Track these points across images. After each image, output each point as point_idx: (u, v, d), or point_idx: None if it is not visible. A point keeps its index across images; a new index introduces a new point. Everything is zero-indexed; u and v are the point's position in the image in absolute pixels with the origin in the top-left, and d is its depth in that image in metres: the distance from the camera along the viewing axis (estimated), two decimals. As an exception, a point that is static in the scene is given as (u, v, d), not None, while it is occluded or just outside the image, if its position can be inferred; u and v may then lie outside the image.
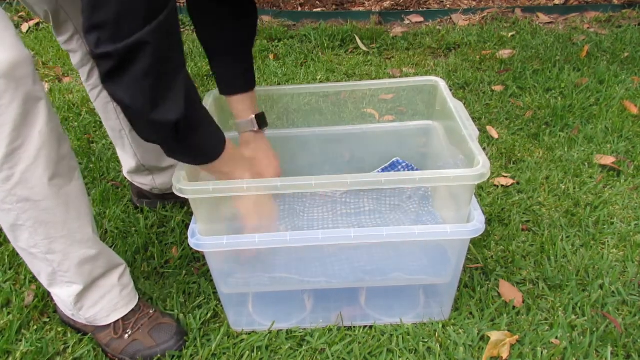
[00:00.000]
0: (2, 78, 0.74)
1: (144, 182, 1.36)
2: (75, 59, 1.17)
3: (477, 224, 0.89)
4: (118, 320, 1.00)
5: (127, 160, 1.32)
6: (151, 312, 1.03)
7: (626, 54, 2.14)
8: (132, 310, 1.02)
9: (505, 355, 0.97)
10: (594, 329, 1.02)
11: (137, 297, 1.04)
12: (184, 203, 1.40)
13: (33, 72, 0.79)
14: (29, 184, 0.82)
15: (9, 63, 0.75)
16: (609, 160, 1.49)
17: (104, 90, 1.16)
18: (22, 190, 0.82)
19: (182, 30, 2.72)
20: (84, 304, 0.98)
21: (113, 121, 1.24)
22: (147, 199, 1.40)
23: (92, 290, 0.97)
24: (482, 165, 0.85)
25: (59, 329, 1.07)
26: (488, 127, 1.69)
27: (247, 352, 1.00)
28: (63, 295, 0.97)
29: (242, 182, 0.84)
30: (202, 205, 0.90)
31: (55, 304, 1.06)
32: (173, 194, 0.87)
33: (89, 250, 0.93)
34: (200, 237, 0.89)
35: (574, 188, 1.40)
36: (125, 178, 1.40)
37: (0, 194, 0.82)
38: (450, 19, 2.66)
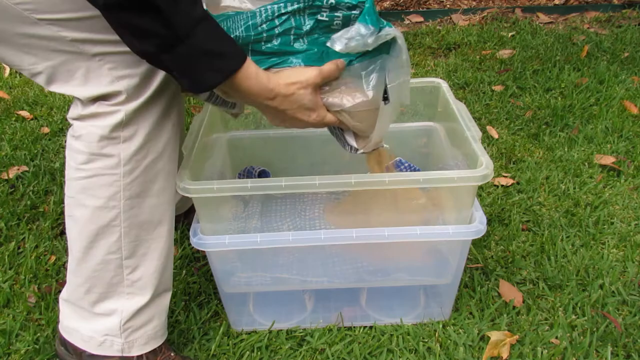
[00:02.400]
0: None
1: None
2: None
3: (478, 224, 0.89)
4: (147, 353, 0.89)
5: None
6: (172, 354, 0.92)
7: (626, 54, 2.15)
8: (154, 350, 0.90)
9: (505, 355, 0.98)
10: (594, 329, 1.02)
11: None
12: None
13: None
14: (147, 177, 0.76)
15: None
16: (609, 160, 1.49)
17: None
18: (139, 185, 0.76)
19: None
20: (134, 323, 0.85)
21: None
22: None
23: (148, 308, 0.86)
24: (485, 166, 0.85)
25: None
26: (488, 127, 1.69)
27: (247, 352, 1.00)
28: (116, 309, 0.84)
29: (245, 182, 0.84)
30: (206, 204, 0.90)
31: (61, 341, 0.91)
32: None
33: (165, 257, 0.85)
34: (202, 237, 0.89)
35: (574, 188, 1.40)
36: None
37: (112, 188, 0.75)
38: (450, 19, 2.66)
